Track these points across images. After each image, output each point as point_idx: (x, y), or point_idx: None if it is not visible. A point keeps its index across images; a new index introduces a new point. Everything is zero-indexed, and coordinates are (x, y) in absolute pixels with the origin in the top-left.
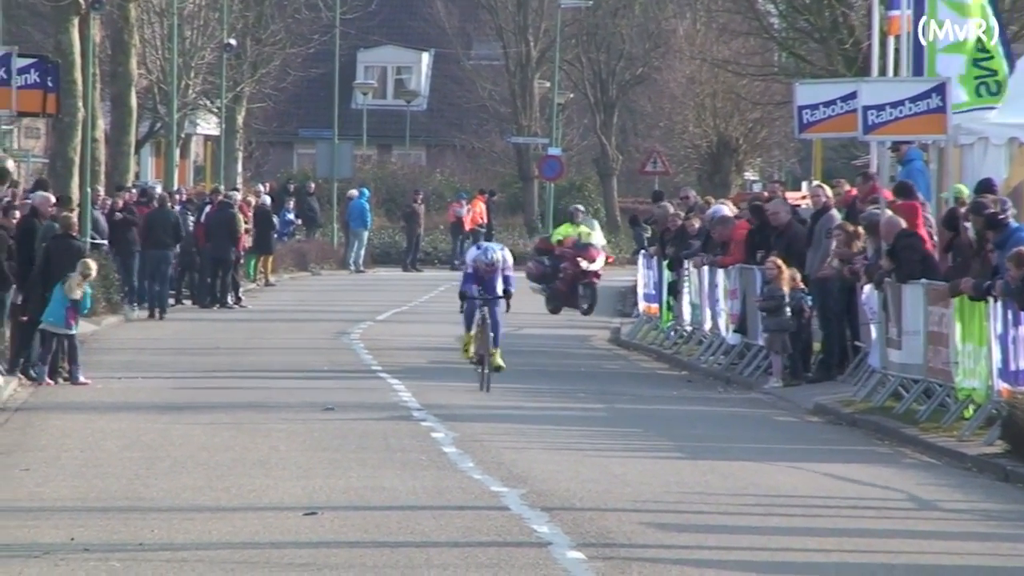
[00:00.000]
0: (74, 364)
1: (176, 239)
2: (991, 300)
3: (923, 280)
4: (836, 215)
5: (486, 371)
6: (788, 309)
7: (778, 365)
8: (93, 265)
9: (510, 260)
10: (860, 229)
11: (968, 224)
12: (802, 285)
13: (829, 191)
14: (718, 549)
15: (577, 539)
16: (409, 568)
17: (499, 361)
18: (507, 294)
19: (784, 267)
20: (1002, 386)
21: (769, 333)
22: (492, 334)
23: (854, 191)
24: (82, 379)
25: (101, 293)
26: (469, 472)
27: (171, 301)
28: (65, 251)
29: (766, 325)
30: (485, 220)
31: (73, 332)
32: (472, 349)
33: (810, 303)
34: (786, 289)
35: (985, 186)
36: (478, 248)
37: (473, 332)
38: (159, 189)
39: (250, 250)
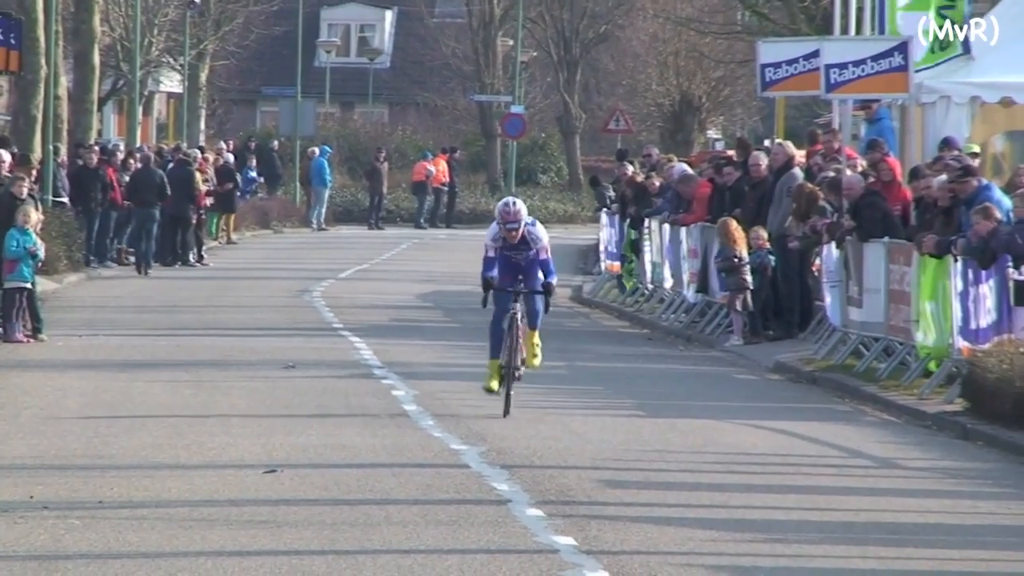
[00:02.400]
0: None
1: (161, 197)
2: (952, 259)
3: (885, 238)
4: (798, 173)
5: (512, 385)
6: (748, 268)
7: (738, 324)
8: (32, 213)
9: (545, 238)
10: (818, 190)
11: (941, 178)
12: (767, 244)
13: (792, 149)
14: (678, 507)
15: (536, 496)
16: (368, 526)
17: (535, 352)
18: (548, 288)
19: (738, 228)
20: (962, 344)
21: (728, 292)
22: (519, 349)
23: (819, 146)
24: (18, 335)
25: (63, 251)
26: (429, 430)
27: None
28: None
29: (725, 285)
30: (447, 179)
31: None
32: (495, 379)
33: (773, 262)
34: (742, 249)
35: (947, 144)
36: (501, 204)
37: (505, 343)
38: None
39: (212, 208)
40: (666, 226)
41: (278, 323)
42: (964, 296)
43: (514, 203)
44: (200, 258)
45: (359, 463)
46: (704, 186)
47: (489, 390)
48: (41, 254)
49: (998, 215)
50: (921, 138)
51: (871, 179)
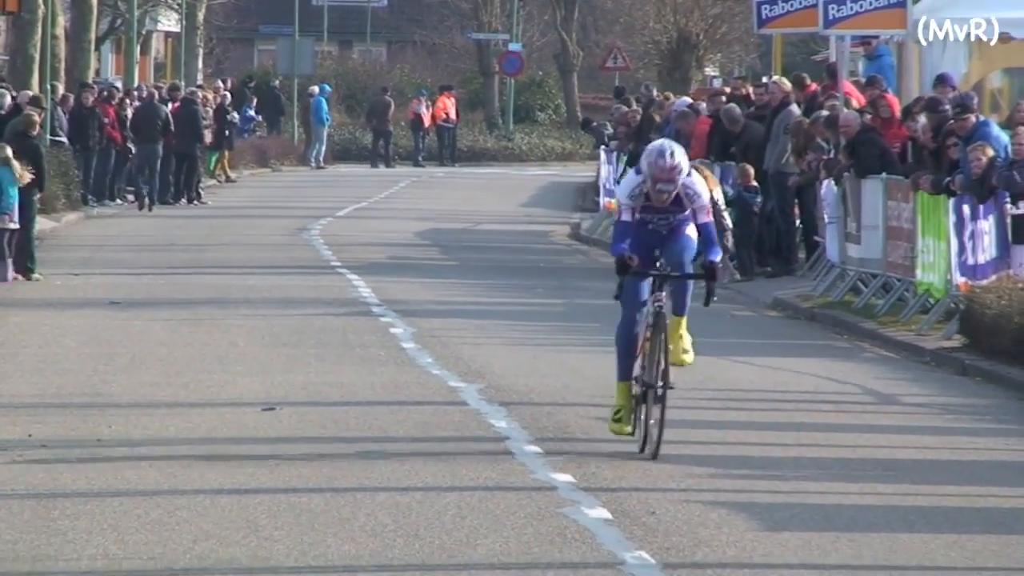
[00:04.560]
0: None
1: (165, 133)
2: (949, 195)
3: (882, 175)
4: (795, 110)
5: (648, 425)
6: (725, 210)
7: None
8: (17, 165)
9: (705, 193)
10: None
11: (921, 120)
12: (753, 182)
13: (788, 86)
14: (675, 443)
15: (535, 434)
16: (366, 463)
17: (685, 347)
18: (712, 270)
19: (706, 173)
20: (960, 280)
21: None
22: (669, 356)
23: (814, 86)
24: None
25: (61, 190)
26: (427, 367)
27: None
28: (22, 150)
29: None
30: (454, 117)
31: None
32: (626, 410)
33: (759, 201)
34: (715, 191)
35: (941, 81)
36: (653, 151)
37: (639, 351)
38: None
39: (210, 147)
40: None
41: (276, 261)
42: (962, 232)
43: (671, 153)
44: (198, 196)
45: (357, 401)
46: (703, 123)
47: (619, 432)
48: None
49: (990, 152)
50: (919, 75)
51: (868, 116)
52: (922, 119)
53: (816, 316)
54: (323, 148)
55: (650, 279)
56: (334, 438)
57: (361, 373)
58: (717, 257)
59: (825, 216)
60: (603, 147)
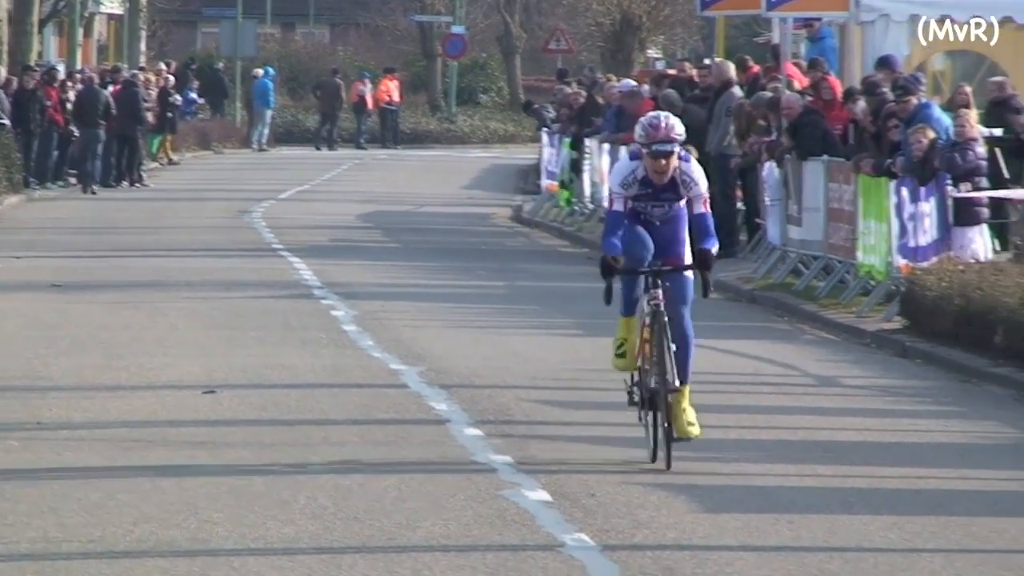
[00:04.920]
0: None
1: (106, 116)
2: (890, 177)
3: (824, 157)
4: (736, 92)
5: (661, 431)
6: None
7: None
8: None
9: (703, 183)
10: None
11: (862, 103)
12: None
13: (730, 68)
14: (616, 425)
15: (475, 416)
16: (307, 446)
17: (690, 419)
18: (705, 257)
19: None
20: (901, 262)
21: None
22: (675, 352)
23: (756, 69)
24: None
25: (3, 173)
26: (368, 350)
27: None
28: None
29: None
30: (397, 99)
31: None
32: (630, 360)
33: None
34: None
35: (884, 63)
36: (645, 118)
37: (637, 326)
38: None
39: (153, 130)
40: (606, 145)
41: (218, 244)
42: (903, 214)
43: (666, 116)
44: (140, 179)
45: (298, 383)
46: (647, 104)
47: (626, 366)
48: None
49: (931, 134)
50: (861, 57)
51: (810, 98)
52: (862, 101)
53: (757, 298)
54: (266, 131)
55: (644, 276)
56: (274, 421)
57: (302, 356)
58: (712, 246)
59: (767, 198)
60: (545, 129)
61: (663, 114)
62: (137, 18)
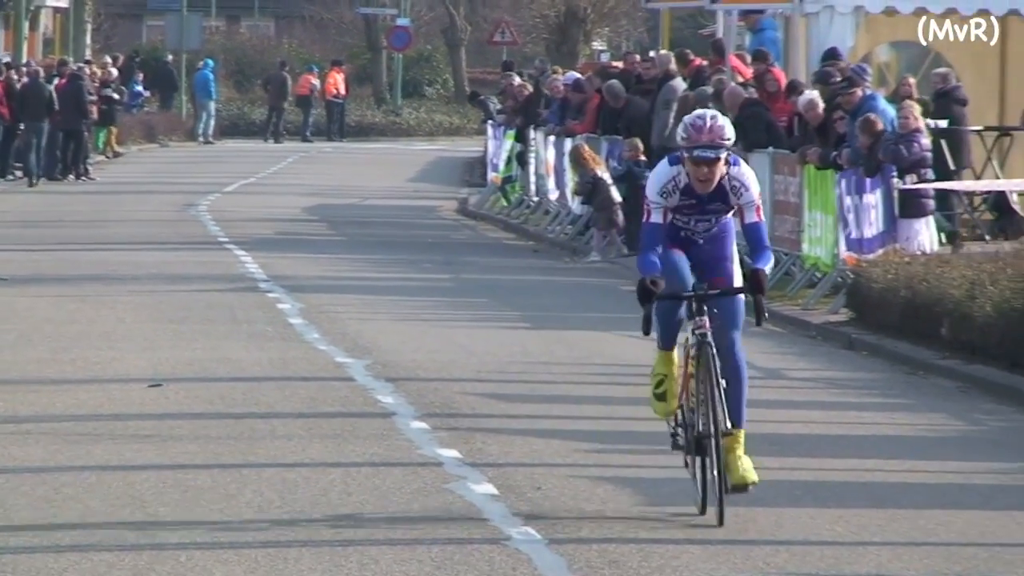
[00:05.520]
0: None
1: (50, 110)
2: (836, 169)
3: (769, 149)
4: (676, 84)
5: (712, 476)
6: (612, 186)
7: (598, 240)
8: None
9: (755, 189)
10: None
11: (805, 95)
12: (643, 156)
13: (672, 60)
14: (562, 419)
15: (421, 409)
16: (253, 440)
17: (745, 466)
18: (759, 278)
19: (590, 151)
20: (848, 255)
21: (594, 211)
22: (723, 390)
23: (697, 61)
24: None
25: None
26: (314, 343)
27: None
28: None
29: (592, 203)
30: (344, 92)
31: None
32: (671, 402)
33: (647, 174)
34: (599, 169)
35: (830, 55)
36: (688, 117)
37: (676, 360)
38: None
39: (97, 123)
40: (551, 137)
41: (164, 237)
42: (849, 206)
43: (712, 115)
44: (85, 172)
45: (244, 377)
46: (594, 97)
47: (666, 410)
48: None
49: (880, 126)
50: (806, 49)
51: (752, 90)
52: (807, 94)
53: None
54: (212, 123)
55: (687, 300)
56: (220, 414)
57: (248, 349)
58: (766, 265)
59: None
60: (490, 122)
61: (709, 113)
62: (83, 11)
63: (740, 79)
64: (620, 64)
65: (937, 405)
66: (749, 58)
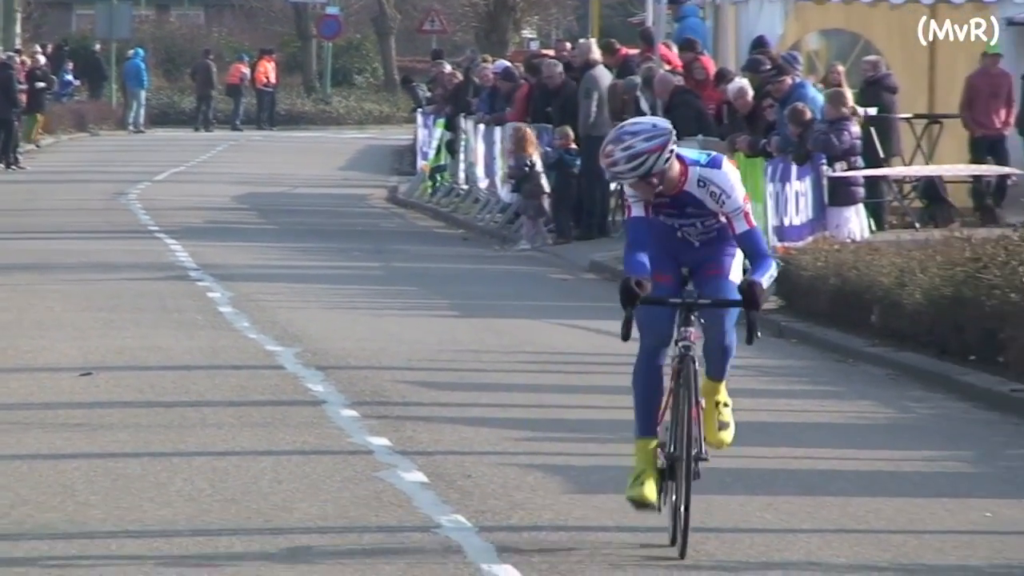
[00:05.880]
0: None
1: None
2: (766, 157)
3: (699, 136)
4: (597, 73)
5: (679, 509)
6: (542, 174)
7: (529, 228)
8: None
9: (739, 191)
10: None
11: (734, 83)
12: (573, 145)
13: (593, 48)
14: (492, 407)
15: (352, 397)
16: (183, 427)
17: (723, 417)
18: (753, 292)
19: (530, 133)
20: (776, 243)
21: (523, 199)
22: (700, 416)
23: (624, 50)
24: None
25: None
26: (244, 331)
27: None
28: None
29: (522, 191)
30: (274, 80)
31: None
32: (650, 479)
33: (578, 163)
34: (534, 155)
35: (759, 43)
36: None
37: (666, 406)
38: None
39: (26, 111)
40: (481, 126)
41: (94, 226)
42: (778, 194)
43: (617, 137)
44: (16, 161)
45: (174, 365)
46: (523, 87)
47: (641, 501)
48: None
49: (809, 115)
50: (735, 37)
51: (679, 78)
52: (736, 82)
53: None
54: (142, 111)
55: (674, 308)
56: (151, 403)
57: (178, 337)
58: (763, 276)
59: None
60: (420, 110)
61: (613, 136)
62: (12, 0)
63: (668, 67)
64: (551, 52)
65: (866, 392)
66: (676, 47)
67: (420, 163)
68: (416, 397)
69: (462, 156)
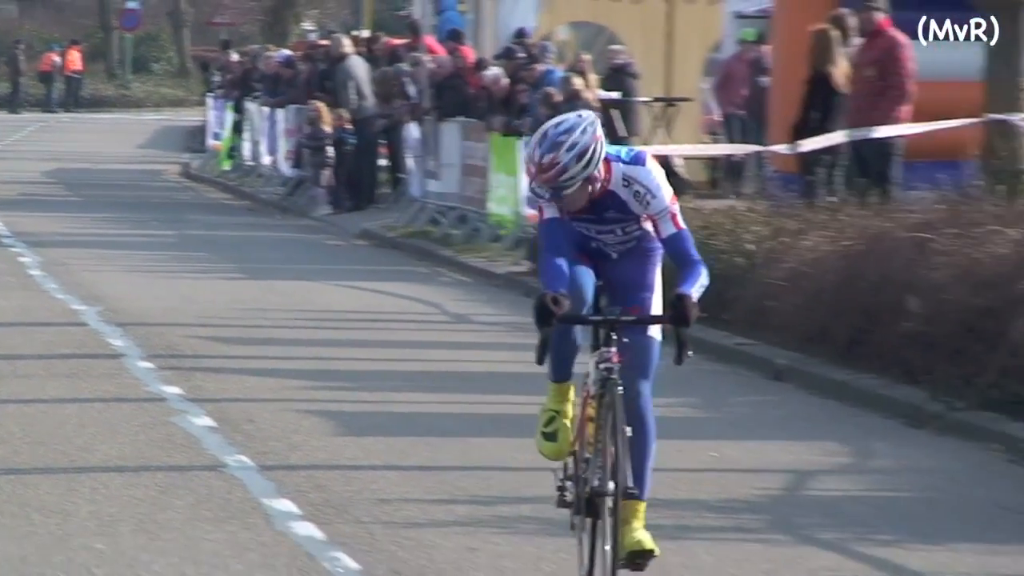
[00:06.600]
0: None
1: None
2: (519, 136)
3: (460, 118)
4: (351, 63)
5: (601, 550)
6: (331, 147)
7: (322, 195)
8: None
9: (666, 192)
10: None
11: (491, 70)
12: (348, 124)
13: (345, 41)
14: (274, 359)
15: (148, 351)
16: None
17: (640, 535)
18: (684, 307)
19: (326, 109)
20: (529, 212)
21: (312, 169)
22: (630, 438)
23: (393, 41)
24: None
25: None
26: (53, 292)
27: None
28: None
29: (310, 161)
30: (81, 67)
31: None
32: (565, 444)
33: (353, 141)
34: (328, 129)
35: (520, 34)
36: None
37: (572, 397)
38: None
39: None
40: (265, 108)
41: None
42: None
43: (561, 132)
44: None
45: None
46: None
47: (557, 452)
48: None
49: (557, 98)
50: (493, 28)
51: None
52: (492, 69)
53: (400, 245)
54: None
55: (595, 325)
56: None
57: None
58: (693, 287)
59: (409, 155)
60: (210, 94)
61: (546, 145)
62: None
63: (431, 56)
64: (327, 42)
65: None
66: (441, 37)
67: (210, 142)
68: (205, 351)
69: (248, 135)
